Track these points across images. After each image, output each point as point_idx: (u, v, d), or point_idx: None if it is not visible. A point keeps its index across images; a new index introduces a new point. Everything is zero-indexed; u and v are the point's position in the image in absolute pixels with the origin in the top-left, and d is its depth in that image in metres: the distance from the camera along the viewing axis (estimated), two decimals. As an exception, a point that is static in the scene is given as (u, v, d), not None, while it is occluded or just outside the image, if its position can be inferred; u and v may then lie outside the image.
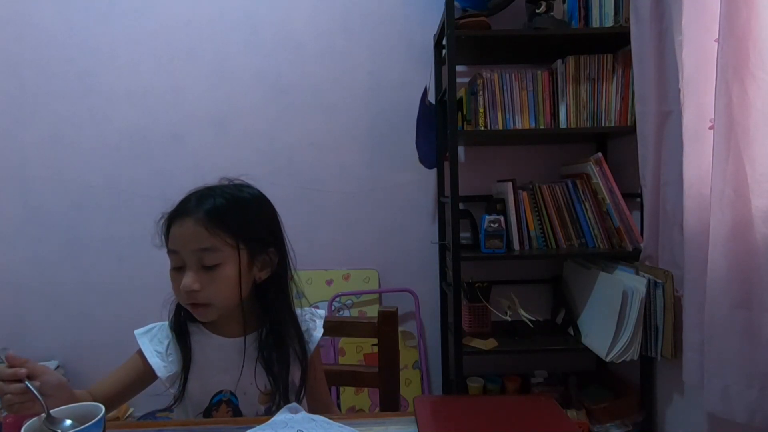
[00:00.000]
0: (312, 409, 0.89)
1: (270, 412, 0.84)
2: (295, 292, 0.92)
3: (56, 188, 1.94)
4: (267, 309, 0.88)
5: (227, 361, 0.85)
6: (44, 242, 1.95)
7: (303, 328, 0.92)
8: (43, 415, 0.62)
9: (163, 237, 0.82)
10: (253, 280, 0.86)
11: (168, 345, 0.86)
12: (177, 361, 0.85)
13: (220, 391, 0.85)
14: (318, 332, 0.94)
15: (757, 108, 1.02)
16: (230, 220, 0.80)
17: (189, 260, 0.78)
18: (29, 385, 0.65)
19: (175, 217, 0.81)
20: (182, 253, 0.79)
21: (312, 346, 0.92)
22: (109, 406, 0.80)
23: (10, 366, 0.66)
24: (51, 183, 1.94)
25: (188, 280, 0.77)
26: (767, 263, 1.03)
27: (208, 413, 0.85)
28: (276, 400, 0.86)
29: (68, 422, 0.62)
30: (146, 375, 0.84)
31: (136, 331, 0.88)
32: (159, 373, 0.84)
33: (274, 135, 1.97)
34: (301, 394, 0.89)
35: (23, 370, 0.66)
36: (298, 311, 0.93)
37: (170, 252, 0.81)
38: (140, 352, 0.85)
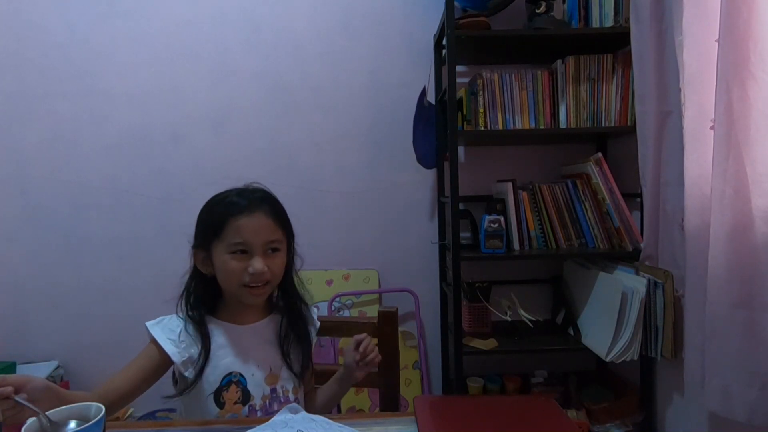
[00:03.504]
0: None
1: (275, 392, 0.95)
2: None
3: (56, 188, 1.94)
4: (286, 295, 1.01)
5: (239, 346, 0.95)
6: (44, 242, 1.95)
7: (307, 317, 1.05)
8: (43, 419, 0.63)
9: (213, 230, 0.91)
10: None
11: (179, 333, 0.93)
12: (189, 347, 0.92)
13: (230, 373, 0.93)
14: (317, 322, 1.07)
15: (758, 108, 1.02)
16: (285, 216, 0.97)
17: (257, 248, 0.91)
18: (18, 400, 0.66)
19: (241, 211, 0.91)
20: (252, 241, 0.90)
21: (314, 334, 1.05)
22: (125, 400, 0.87)
23: None
24: (51, 183, 1.94)
25: (260, 264, 0.90)
26: (767, 262, 1.03)
27: (218, 393, 0.91)
28: (292, 380, 0.97)
29: (73, 423, 0.63)
30: (161, 363, 0.91)
31: (148, 323, 0.94)
32: (174, 358, 0.90)
33: (274, 135, 1.97)
34: (307, 376, 1.02)
35: (9, 388, 0.67)
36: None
37: (234, 243, 0.90)
38: (154, 342, 0.91)
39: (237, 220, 0.90)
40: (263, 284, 0.92)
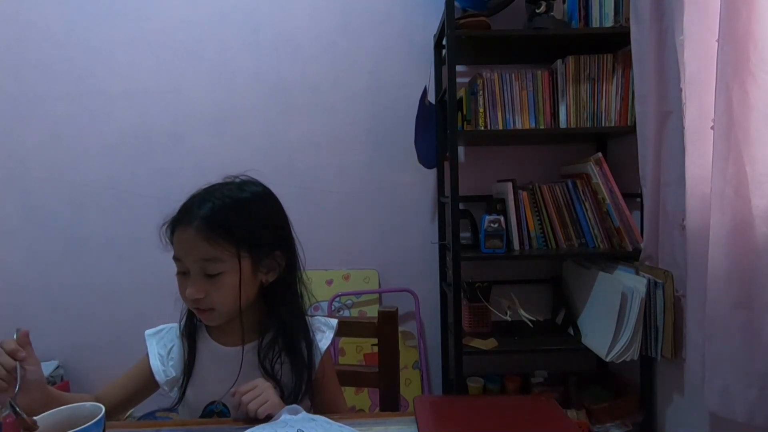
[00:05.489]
0: (320, 411, 0.88)
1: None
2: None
3: (56, 188, 1.94)
4: (275, 312, 0.86)
5: (224, 371, 0.84)
6: (44, 242, 1.95)
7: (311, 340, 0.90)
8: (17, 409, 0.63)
9: (168, 242, 0.82)
10: (259, 284, 0.85)
11: (171, 348, 0.87)
12: (177, 365, 0.86)
13: (213, 402, 0.85)
14: (324, 343, 0.90)
15: (758, 108, 1.02)
16: (231, 227, 0.78)
17: (192, 268, 0.78)
18: (18, 369, 0.67)
19: (176, 224, 0.80)
20: (185, 260, 0.79)
21: (317, 359, 0.89)
22: (121, 408, 0.83)
23: (18, 343, 0.69)
24: (51, 183, 1.94)
25: (192, 289, 0.78)
26: (767, 263, 1.03)
27: None
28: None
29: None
30: (152, 380, 0.86)
31: (147, 332, 0.89)
32: (157, 377, 0.85)
33: (274, 135, 1.97)
34: (298, 398, 0.87)
35: (23, 354, 0.68)
36: (308, 320, 0.91)
37: (174, 258, 0.80)
38: (147, 356, 0.87)
39: (174, 232, 0.79)
40: (207, 309, 0.80)
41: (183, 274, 0.80)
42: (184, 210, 0.80)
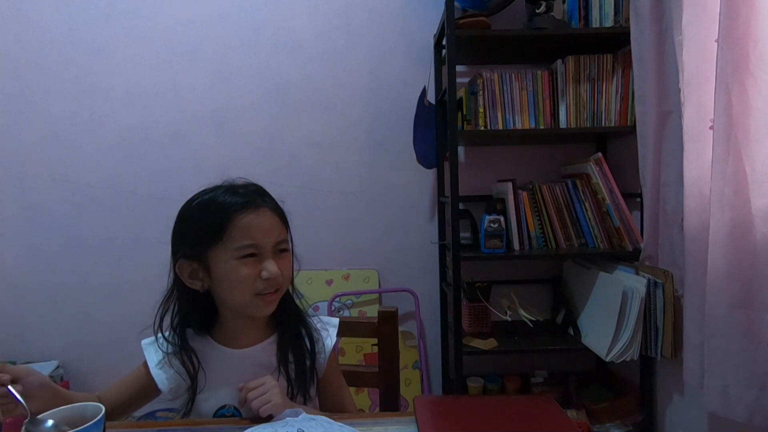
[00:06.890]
0: (328, 410, 0.88)
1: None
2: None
3: (56, 188, 1.94)
4: (283, 309, 0.88)
5: (234, 374, 0.84)
6: (44, 242, 1.95)
7: (315, 336, 0.91)
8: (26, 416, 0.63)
9: (212, 233, 0.78)
10: None
11: (170, 356, 0.86)
12: (180, 373, 0.84)
13: (223, 406, 0.84)
14: (330, 341, 0.92)
15: (757, 108, 1.02)
16: (284, 213, 0.87)
17: (268, 249, 0.81)
18: (11, 390, 0.66)
19: (245, 208, 0.79)
20: (263, 242, 0.80)
21: (324, 356, 0.91)
22: (117, 414, 0.82)
23: None
24: (51, 183, 1.94)
25: (274, 267, 0.80)
26: (767, 263, 1.03)
27: None
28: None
29: (50, 422, 0.62)
30: (151, 387, 0.85)
31: (144, 341, 0.87)
32: (161, 386, 0.84)
33: (274, 135, 1.97)
34: (306, 398, 0.88)
35: (6, 376, 0.67)
36: (309, 319, 0.93)
37: (244, 246, 0.78)
38: (145, 364, 0.86)
39: (243, 218, 0.78)
40: (275, 291, 0.82)
41: (246, 258, 0.79)
42: (245, 198, 0.81)
